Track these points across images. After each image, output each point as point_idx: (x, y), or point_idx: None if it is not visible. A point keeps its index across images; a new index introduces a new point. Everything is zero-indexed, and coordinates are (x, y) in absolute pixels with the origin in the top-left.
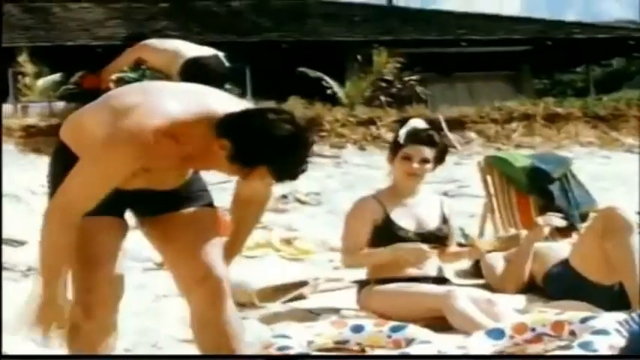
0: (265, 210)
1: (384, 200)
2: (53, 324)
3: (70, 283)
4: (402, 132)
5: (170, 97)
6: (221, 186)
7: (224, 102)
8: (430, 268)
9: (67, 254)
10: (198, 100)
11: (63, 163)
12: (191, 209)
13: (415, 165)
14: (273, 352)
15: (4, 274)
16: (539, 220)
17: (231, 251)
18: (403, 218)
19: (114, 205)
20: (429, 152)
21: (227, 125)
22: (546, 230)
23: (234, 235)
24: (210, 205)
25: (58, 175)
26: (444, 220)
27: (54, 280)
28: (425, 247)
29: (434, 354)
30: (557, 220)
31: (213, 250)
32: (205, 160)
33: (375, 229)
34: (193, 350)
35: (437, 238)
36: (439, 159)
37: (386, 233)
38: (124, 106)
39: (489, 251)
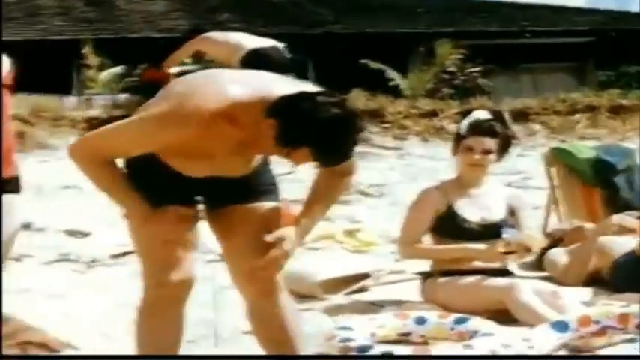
0: (348, 187)
1: (448, 191)
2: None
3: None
4: (464, 123)
5: (232, 81)
6: (288, 177)
7: (285, 86)
8: None
9: (115, 175)
10: (259, 84)
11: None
12: (256, 204)
13: (477, 156)
14: (335, 343)
15: (69, 265)
16: (615, 218)
17: (305, 221)
18: (467, 209)
19: (185, 194)
20: (490, 143)
21: (276, 106)
22: (616, 228)
23: (311, 205)
24: (277, 200)
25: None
26: (511, 212)
27: (122, 192)
28: (498, 247)
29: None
30: (632, 221)
31: (266, 246)
32: (255, 144)
33: (437, 219)
34: (254, 342)
35: (500, 230)
36: (502, 150)
37: (449, 224)
38: (187, 89)
39: (544, 249)
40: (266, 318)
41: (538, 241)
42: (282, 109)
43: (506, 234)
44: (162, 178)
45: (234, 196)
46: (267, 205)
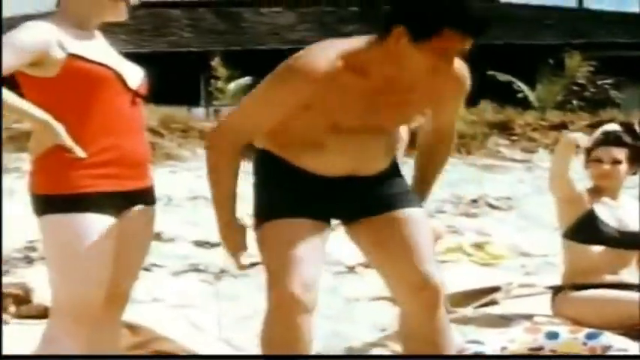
0: (450, 152)
1: (587, 198)
2: (237, 245)
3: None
4: (593, 135)
5: (339, 41)
6: None
7: None
8: (627, 274)
9: (230, 178)
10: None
11: (262, 168)
12: (403, 211)
13: (606, 167)
14: None
15: (198, 275)
16: None
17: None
18: (605, 216)
19: (320, 207)
20: (619, 153)
21: (392, 12)
22: None
23: (420, 183)
24: (421, 205)
25: (257, 182)
26: None
27: (222, 202)
28: None
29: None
30: None
31: (429, 255)
32: (393, 85)
33: (577, 224)
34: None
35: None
36: (634, 161)
37: (589, 228)
38: (296, 54)
39: None
40: (425, 332)
41: None
42: (399, 9)
43: None
44: (297, 187)
45: (378, 205)
46: (413, 211)
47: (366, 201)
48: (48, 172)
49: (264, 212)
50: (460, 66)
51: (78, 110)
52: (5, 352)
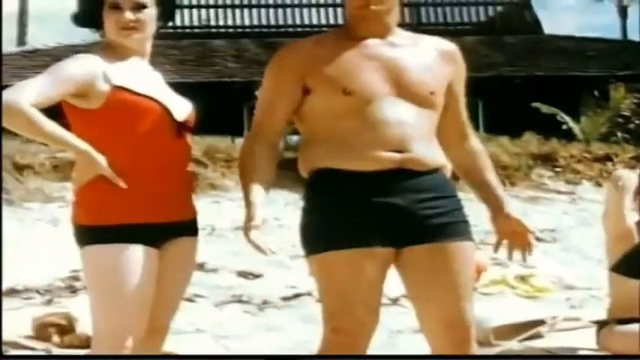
0: (479, 144)
1: (637, 230)
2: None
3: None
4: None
5: None
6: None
7: None
8: None
9: (257, 175)
10: None
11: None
12: (454, 244)
13: None
14: None
15: (241, 306)
16: None
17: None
18: None
19: (376, 233)
20: None
21: None
22: None
23: (488, 196)
24: (472, 238)
25: (306, 209)
26: None
27: (248, 197)
28: None
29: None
30: None
31: (466, 293)
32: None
33: (627, 255)
34: None
35: None
36: None
37: (637, 259)
38: None
39: None
40: None
41: None
42: None
43: None
44: (349, 208)
45: (430, 233)
46: (461, 244)
47: (417, 226)
48: (88, 204)
49: (317, 242)
50: (450, 46)
51: (121, 142)
52: None
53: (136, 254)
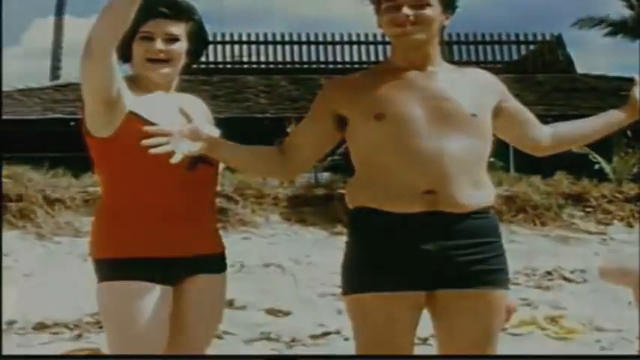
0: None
1: None
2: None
3: None
4: None
5: None
6: None
7: None
8: None
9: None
10: None
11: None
12: (483, 291)
13: None
14: None
15: (269, 344)
16: None
17: None
18: None
19: (408, 277)
20: None
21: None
22: None
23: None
24: (507, 287)
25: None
26: None
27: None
28: None
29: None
30: None
31: (491, 341)
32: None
33: None
34: None
35: None
36: None
37: None
38: None
39: None
40: None
41: None
42: None
43: None
44: (387, 251)
45: (465, 278)
46: (498, 292)
47: (450, 272)
48: (97, 237)
49: (351, 281)
50: (487, 73)
51: (129, 171)
52: None
53: (141, 292)
